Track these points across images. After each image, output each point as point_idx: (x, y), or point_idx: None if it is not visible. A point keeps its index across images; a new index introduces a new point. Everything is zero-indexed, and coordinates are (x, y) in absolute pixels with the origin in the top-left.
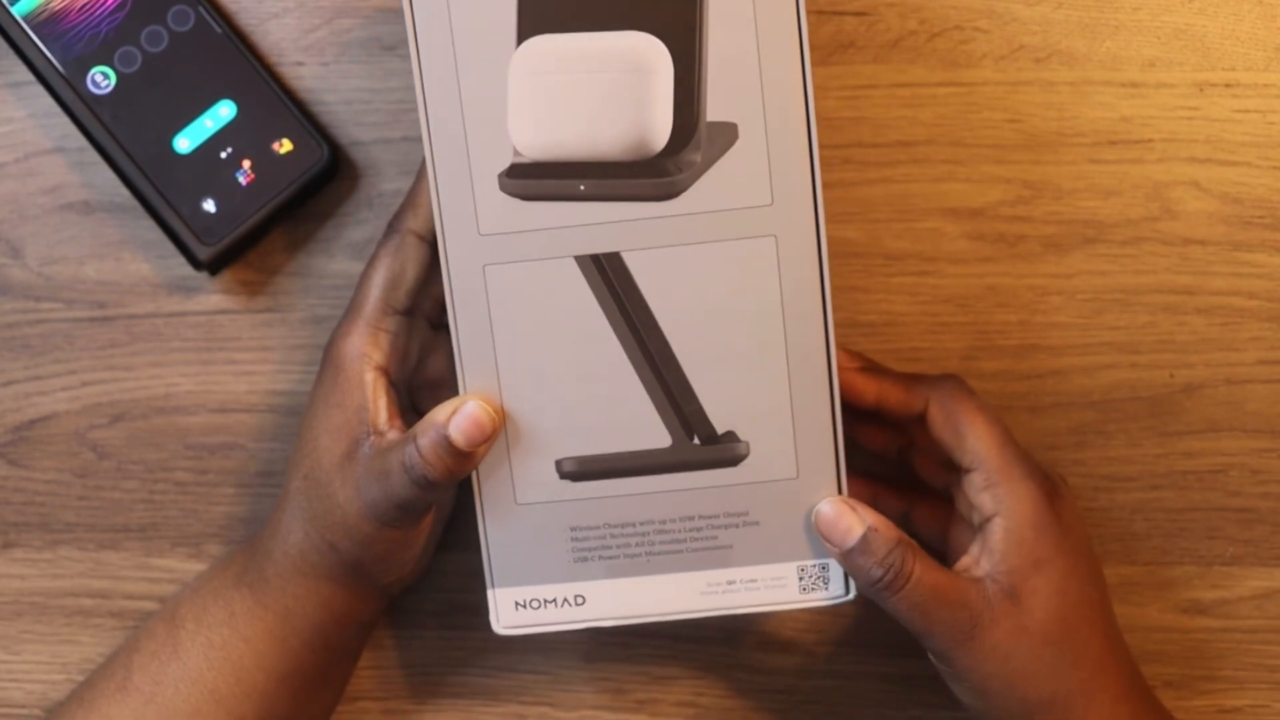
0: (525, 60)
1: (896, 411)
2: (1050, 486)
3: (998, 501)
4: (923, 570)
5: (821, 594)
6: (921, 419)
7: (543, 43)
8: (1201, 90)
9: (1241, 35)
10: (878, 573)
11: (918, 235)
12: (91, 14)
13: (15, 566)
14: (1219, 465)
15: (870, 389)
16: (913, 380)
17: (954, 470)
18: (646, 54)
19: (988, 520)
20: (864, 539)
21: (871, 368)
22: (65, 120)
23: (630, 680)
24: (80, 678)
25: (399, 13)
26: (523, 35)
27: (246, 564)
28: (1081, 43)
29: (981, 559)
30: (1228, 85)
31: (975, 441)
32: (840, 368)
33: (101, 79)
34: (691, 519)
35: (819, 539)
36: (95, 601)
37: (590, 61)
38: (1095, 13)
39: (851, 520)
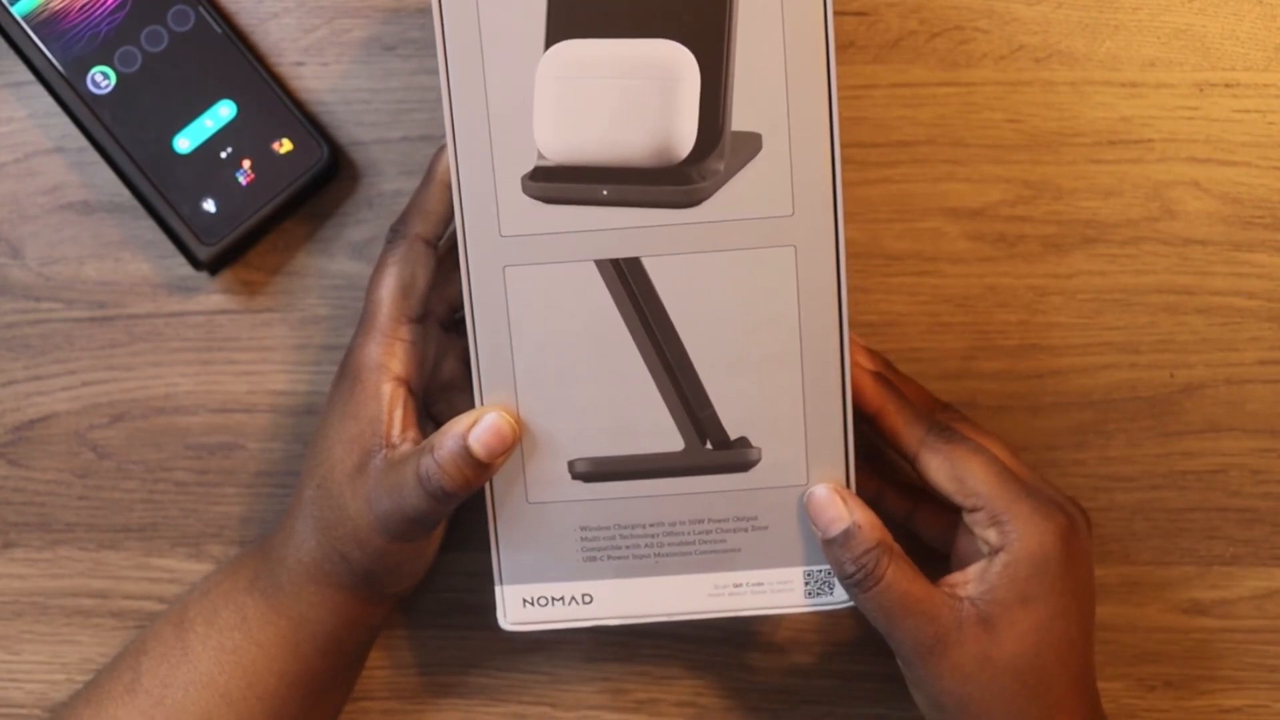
0: (553, 64)
1: (889, 440)
2: (1064, 521)
3: (1003, 537)
4: (895, 577)
5: (826, 599)
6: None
7: (571, 47)
8: (1201, 90)
9: (1241, 35)
10: (850, 569)
11: (918, 235)
12: (91, 14)
13: (15, 566)
14: (1219, 465)
15: (873, 403)
16: (911, 417)
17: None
18: (674, 62)
19: (994, 552)
20: (845, 533)
21: (884, 378)
22: (65, 120)
23: (630, 680)
24: (80, 678)
25: (399, 13)
26: (551, 39)
27: (259, 569)
28: (1081, 43)
29: (971, 582)
30: (1228, 85)
31: (975, 484)
32: (855, 364)
33: (101, 79)
34: (701, 522)
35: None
36: (95, 601)
37: (617, 67)
38: (1095, 13)
39: (839, 510)
